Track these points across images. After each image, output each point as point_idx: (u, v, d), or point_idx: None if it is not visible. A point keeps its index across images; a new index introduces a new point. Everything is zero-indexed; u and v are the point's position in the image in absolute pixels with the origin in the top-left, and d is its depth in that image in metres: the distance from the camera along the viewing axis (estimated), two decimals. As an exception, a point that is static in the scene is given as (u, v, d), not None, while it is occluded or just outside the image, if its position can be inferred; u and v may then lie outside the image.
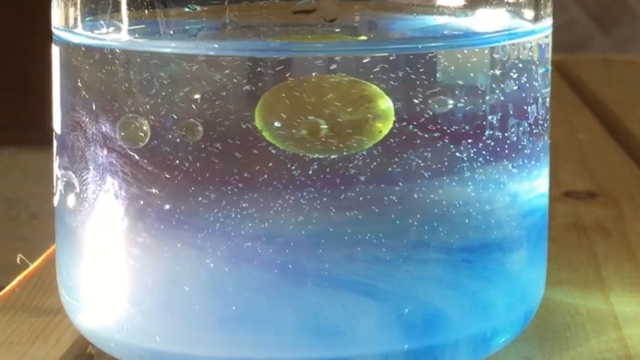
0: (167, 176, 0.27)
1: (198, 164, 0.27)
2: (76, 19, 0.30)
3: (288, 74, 0.27)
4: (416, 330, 0.28)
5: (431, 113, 0.27)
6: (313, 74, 0.27)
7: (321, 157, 0.27)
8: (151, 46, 0.28)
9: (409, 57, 0.27)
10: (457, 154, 0.28)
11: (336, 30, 0.29)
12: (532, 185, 0.30)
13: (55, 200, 0.31)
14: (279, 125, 0.26)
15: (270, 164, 0.27)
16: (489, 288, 0.29)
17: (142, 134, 0.27)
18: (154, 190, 0.27)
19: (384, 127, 0.27)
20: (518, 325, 0.30)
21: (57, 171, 0.30)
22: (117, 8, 0.28)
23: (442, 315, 0.28)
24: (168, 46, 0.28)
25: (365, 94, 0.27)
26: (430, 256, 0.28)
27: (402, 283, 0.27)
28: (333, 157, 0.27)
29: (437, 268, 0.28)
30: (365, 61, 0.27)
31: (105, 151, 0.28)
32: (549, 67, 0.31)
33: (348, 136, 0.27)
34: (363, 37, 0.29)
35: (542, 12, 0.31)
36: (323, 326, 0.27)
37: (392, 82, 0.27)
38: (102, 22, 0.29)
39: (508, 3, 0.30)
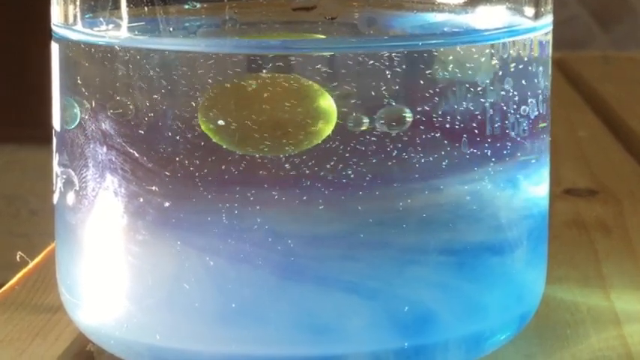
0: (167, 174, 0.27)
1: (198, 161, 0.27)
2: (75, 17, 0.30)
3: (288, 72, 0.27)
4: (409, 329, 0.28)
5: (430, 111, 0.27)
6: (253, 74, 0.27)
7: (315, 154, 0.27)
8: (151, 44, 0.28)
9: (409, 54, 0.27)
10: (456, 151, 0.28)
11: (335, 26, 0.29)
12: (532, 183, 0.30)
13: (55, 198, 0.31)
14: (222, 124, 0.26)
15: (269, 163, 0.27)
16: (484, 289, 0.29)
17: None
18: (153, 188, 0.27)
19: (326, 128, 0.27)
20: (515, 325, 0.30)
21: (56, 168, 0.30)
22: (116, 5, 0.28)
23: (436, 315, 0.28)
24: (167, 44, 0.28)
25: (305, 93, 0.26)
26: (424, 256, 0.28)
27: (396, 283, 0.27)
28: (328, 155, 0.27)
29: (431, 268, 0.28)
30: (365, 58, 0.27)
31: (104, 149, 0.28)
32: (549, 64, 0.31)
33: (289, 136, 0.26)
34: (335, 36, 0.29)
35: (542, 9, 0.31)
36: (320, 324, 0.27)
37: (391, 80, 0.27)
38: (101, 19, 0.29)
39: (508, 0, 0.30)
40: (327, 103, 0.26)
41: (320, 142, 0.26)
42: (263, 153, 0.26)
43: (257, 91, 0.26)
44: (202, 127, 0.26)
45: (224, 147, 0.27)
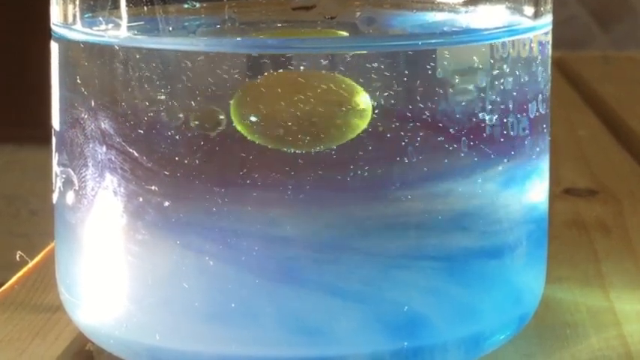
0: (166, 173, 0.27)
1: (197, 161, 0.27)
2: (74, 16, 0.30)
3: (285, 70, 0.27)
4: (408, 330, 0.28)
5: (430, 110, 0.27)
6: (288, 69, 0.26)
7: (314, 155, 0.27)
8: (150, 43, 0.28)
9: (409, 53, 0.27)
10: (455, 151, 0.28)
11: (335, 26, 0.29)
12: (532, 183, 0.30)
13: (54, 197, 0.31)
14: (255, 120, 0.26)
15: (268, 162, 0.27)
16: (483, 289, 0.29)
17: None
18: (153, 187, 0.27)
19: (362, 123, 0.27)
20: (514, 325, 0.30)
21: (56, 168, 0.30)
22: (116, 5, 0.28)
23: (435, 315, 0.28)
24: (167, 43, 0.28)
25: (343, 89, 0.26)
26: (423, 257, 0.28)
27: (394, 285, 0.27)
28: (327, 157, 0.27)
29: (429, 270, 0.28)
30: (364, 57, 0.27)
31: (104, 148, 0.28)
32: (549, 63, 0.31)
33: (323, 132, 0.26)
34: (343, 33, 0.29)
35: (542, 8, 0.31)
36: (319, 326, 0.27)
37: (391, 79, 0.27)
38: (101, 18, 0.29)
39: (508, -1, 0.30)
40: (364, 99, 0.26)
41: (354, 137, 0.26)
42: (297, 148, 0.26)
43: (293, 85, 0.26)
44: (235, 122, 0.26)
45: (224, 146, 0.27)
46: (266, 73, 0.26)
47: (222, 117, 0.27)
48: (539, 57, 0.30)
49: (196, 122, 0.27)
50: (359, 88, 0.26)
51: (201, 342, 0.28)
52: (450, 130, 0.28)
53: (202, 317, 0.27)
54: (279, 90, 0.26)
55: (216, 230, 0.27)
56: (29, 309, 0.34)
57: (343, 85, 0.26)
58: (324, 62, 0.27)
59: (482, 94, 0.28)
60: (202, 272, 0.27)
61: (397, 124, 0.27)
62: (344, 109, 0.26)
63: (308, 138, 0.26)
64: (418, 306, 0.28)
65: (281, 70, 0.26)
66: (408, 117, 0.27)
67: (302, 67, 0.27)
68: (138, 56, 0.27)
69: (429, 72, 0.27)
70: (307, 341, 0.27)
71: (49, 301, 0.34)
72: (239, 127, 0.26)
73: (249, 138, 0.26)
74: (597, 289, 0.35)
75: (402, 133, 0.27)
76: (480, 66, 0.28)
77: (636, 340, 0.32)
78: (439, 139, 0.27)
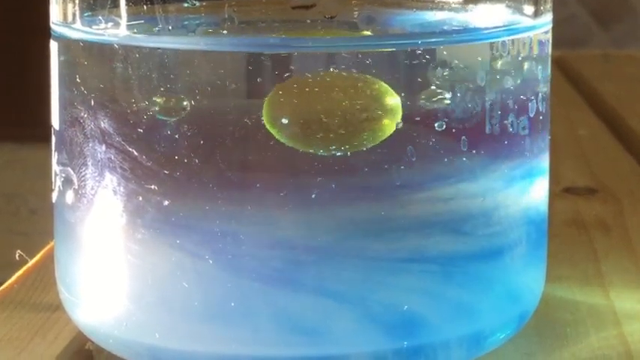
0: (166, 172, 0.27)
1: (197, 160, 0.27)
2: (74, 15, 0.30)
3: (287, 70, 0.27)
4: (409, 329, 0.28)
5: (429, 109, 0.27)
6: (320, 71, 0.26)
7: (325, 156, 0.26)
8: (150, 42, 0.27)
9: (409, 52, 0.27)
10: (455, 150, 0.28)
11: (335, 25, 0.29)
12: (531, 182, 0.30)
13: (54, 196, 0.31)
14: (287, 122, 0.26)
15: (267, 161, 0.27)
16: (483, 288, 0.29)
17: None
18: (152, 186, 0.27)
19: (392, 123, 0.27)
20: (514, 324, 0.30)
21: (55, 167, 0.30)
22: (115, 4, 0.28)
23: (435, 315, 0.28)
24: (166, 42, 0.27)
25: (374, 89, 0.26)
26: (422, 257, 0.28)
27: (394, 284, 0.27)
28: (335, 155, 0.27)
29: (429, 269, 0.28)
30: (364, 56, 0.27)
31: (103, 147, 0.28)
32: (549, 62, 0.31)
33: (359, 133, 0.26)
34: (366, 33, 0.29)
35: (542, 7, 0.31)
36: (319, 327, 0.27)
37: (391, 78, 0.27)
38: (100, 17, 0.29)
39: (508, -2, 0.30)
40: (394, 100, 0.26)
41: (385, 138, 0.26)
42: (327, 152, 0.26)
43: (324, 88, 0.26)
44: (267, 125, 0.26)
45: (224, 145, 0.27)
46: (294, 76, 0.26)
47: (220, 116, 0.27)
48: (539, 56, 0.30)
49: (196, 121, 0.27)
50: (387, 88, 0.26)
51: (200, 341, 0.28)
52: (450, 129, 0.28)
53: (202, 317, 0.27)
54: (310, 92, 0.26)
55: (215, 230, 0.27)
56: (29, 308, 0.34)
57: (375, 86, 0.26)
58: (323, 61, 0.27)
59: (482, 93, 0.28)
60: (202, 272, 0.27)
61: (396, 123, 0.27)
62: (375, 111, 0.26)
63: (340, 142, 0.26)
64: (418, 305, 0.28)
65: (307, 73, 0.26)
66: (407, 116, 0.27)
67: (300, 67, 0.27)
68: (137, 55, 0.27)
69: (429, 71, 0.27)
70: (307, 341, 0.27)
71: (48, 300, 0.34)
72: (272, 131, 0.26)
73: (280, 140, 0.26)
74: (597, 287, 0.35)
75: (401, 133, 0.27)
76: (480, 65, 0.28)
77: (636, 339, 0.32)
78: (438, 138, 0.27)
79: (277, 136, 0.26)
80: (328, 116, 0.26)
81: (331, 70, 0.27)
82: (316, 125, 0.26)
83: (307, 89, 0.26)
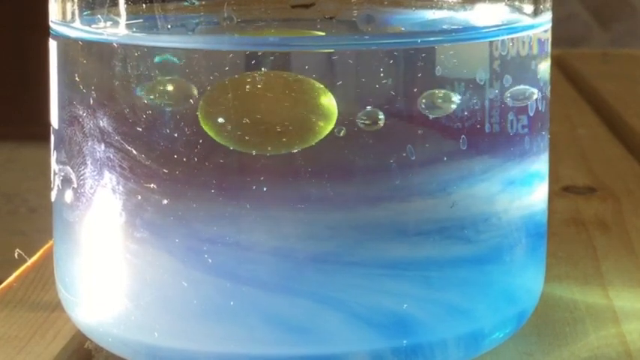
0: (165, 171, 0.27)
1: (196, 159, 0.27)
2: (73, 14, 0.30)
3: (287, 69, 0.27)
4: (409, 328, 0.28)
5: (429, 108, 0.27)
6: (254, 71, 0.26)
7: (321, 159, 0.26)
8: (149, 41, 0.27)
9: (408, 51, 0.27)
10: (454, 149, 0.28)
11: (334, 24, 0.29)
12: (531, 181, 0.30)
13: (53, 195, 0.31)
14: (222, 122, 0.26)
15: (267, 162, 0.27)
16: (481, 287, 0.29)
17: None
18: (151, 185, 0.27)
19: (326, 125, 0.26)
20: (513, 323, 0.30)
21: (54, 166, 0.30)
22: (114, 2, 0.28)
23: (434, 314, 0.28)
24: (165, 41, 0.27)
25: (305, 90, 0.26)
26: (419, 255, 0.28)
27: (393, 282, 0.27)
28: (332, 159, 0.27)
29: (428, 267, 0.28)
30: (364, 56, 0.27)
31: (102, 146, 0.28)
32: (549, 61, 0.31)
33: (288, 134, 0.26)
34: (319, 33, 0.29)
35: (541, 6, 0.31)
36: (319, 327, 0.27)
37: (391, 77, 0.27)
38: (99, 16, 0.29)
39: (507, -3, 0.30)
40: (329, 101, 0.26)
41: (319, 140, 0.26)
42: (263, 152, 0.26)
43: (258, 88, 0.26)
44: (203, 125, 0.26)
45: (223, 145, 0.27)
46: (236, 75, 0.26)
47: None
48: (539, 55, 0.30)
49: (195, 120, 0.27)
50: (323, 90, 0.26)
51: (199, 340, 0.28)
52: (449, 128, 0.28)
53: (200, 316, 0.27)
54: (248, 91, 0.26)
55: (214, 229, 0.27)
56: (28, 307, 0.34)
57: (308, 87, 0.26)
58: (322, 60, 0.27)
59: (481, 92, 0.28)
60: (201, 270, 0.27)
61: (395, 123, 0.27)
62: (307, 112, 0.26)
63: (275, 142, 0.26)
64: (417, 304, 0.28)
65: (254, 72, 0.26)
66: (406, 116, 0.27)
67: (299, 66, 0.27)
68: (136, 54, 0.27)
69: (428, 70, 0.27)
70: (305, 340, 0.27)
71: (47, 299, 0.34)
72: (205, 128, 0.26)
73: (215, 139, 0.26)
74: (596, 286, 0.35)
75: (400, 132, 0.27)
76: (480, 64, 0.28)
77: (635, 338, 0.32)
78: (438, 137, 0.27)
79: (214, 137, 0.26)
80: (259, 117, 0.26)
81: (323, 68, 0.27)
82: (249, 126, 0.26)
83: (242, 89, 0.26)
